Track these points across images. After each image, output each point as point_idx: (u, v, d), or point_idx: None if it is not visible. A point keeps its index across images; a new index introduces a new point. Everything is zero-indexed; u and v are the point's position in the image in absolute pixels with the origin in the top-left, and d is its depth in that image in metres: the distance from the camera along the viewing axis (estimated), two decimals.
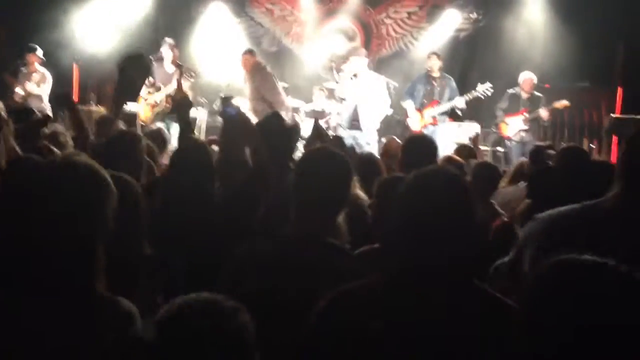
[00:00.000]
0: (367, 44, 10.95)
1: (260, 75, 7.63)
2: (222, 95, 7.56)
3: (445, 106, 8.22)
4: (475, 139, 8.25)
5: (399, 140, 5.20)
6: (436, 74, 8.29)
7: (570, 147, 4.52)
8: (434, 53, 8.45)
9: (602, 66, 9.30)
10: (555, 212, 1.95)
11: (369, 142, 7.80)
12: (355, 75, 7.96)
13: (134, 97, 7.53)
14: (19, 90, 8.54)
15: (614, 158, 8.38)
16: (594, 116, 9.31)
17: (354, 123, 7.99)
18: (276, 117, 3.73)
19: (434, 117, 8.25)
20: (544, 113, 8.26)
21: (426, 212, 1.64)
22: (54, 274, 1.42)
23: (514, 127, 8.45)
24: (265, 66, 7.96)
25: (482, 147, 9.13)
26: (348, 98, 8.04)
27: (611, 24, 9.11)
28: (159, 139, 4.93)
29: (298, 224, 2.12)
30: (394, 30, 10.87)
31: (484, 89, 8.10)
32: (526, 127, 8.40)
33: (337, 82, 8.71)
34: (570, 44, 9.26)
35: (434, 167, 1.78)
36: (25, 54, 8.76)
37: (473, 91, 8.18)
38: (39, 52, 8.80)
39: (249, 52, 8.04)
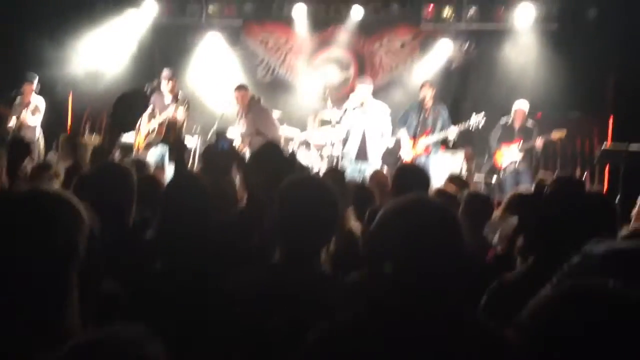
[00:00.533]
0: (360, 73, 11.05)
1: (255, 110, 7.69)
2: (216, 130, 7.61)
3: (438, 136, 8.26)
4: (469, 156, 8.30)
5: (384, 172, 5.22)
6: (429, 103, 8.34)
7: (565, 177, 4.54)
8: (427, 82, 8.52)
9: (592, 96, 9.39)
10: (610, 247, 1.89)
11: None
12: (362, 104, 7.95)
13: (130, 129, 7.57)
14: (13, 121, 8.59)
15: (606, 188, 8.43)
16: (586, 146, 9.37)
17: (362, 154, 7.99)
18: (273, 146, 3.76)
19: (427, 146, 8.28)
20: (538, 143, 8.33)
21: (410, 244, 1.63)
22: (25, 308, 1.39)
23: (508, 156, 8.52)
24: (259, 100, 8.01)
25: (476, 175, 9.20)
26: (353, 128, 8.03)
27: (601, 53, 9.23)
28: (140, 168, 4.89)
29: (286, 253, 2.12)
30: (388, 60, 10.99)
31: (477, 119, 8.15)
32: (520, 157, 8.46)
33: (329, 110, 8.75)
34: (561, 74, 9.36)
35: (417, 198, 1.77)
36: (22, 83, 8.83)
37: (467, 121, 8.23)
38: (35, 81, 8.87)
39: (243, 87, 8.08)
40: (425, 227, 1.64)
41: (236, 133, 7.78)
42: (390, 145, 8.20)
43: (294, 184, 2.28)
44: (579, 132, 8.91)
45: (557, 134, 8.36)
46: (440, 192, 3.99)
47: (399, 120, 8.49)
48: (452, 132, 8.19)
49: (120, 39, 10.85)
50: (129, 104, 3.85)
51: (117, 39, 10.79)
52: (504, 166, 8.59)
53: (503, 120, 8.71)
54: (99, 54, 10.67)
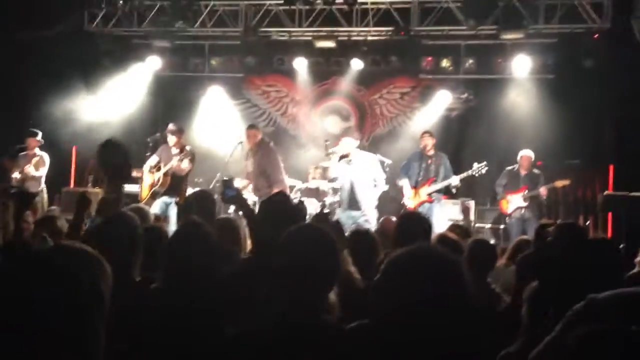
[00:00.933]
0: (361, 123, 11.18)
1: (264, 151, 7.75)
2: (224, 178, 7.62)
3: (441, 184, 8.30)
4: (465, 210, 8.30)
5: (394, 219, 5.21)
6: (430, 152, 8.42)
7: (567, 223, 4.51)
8: (427, 132, 8.62)
9: (592, 144, 9.46)
10: (614, 293, 1.87)
11: (367, 220, 7.80)
12: (346, 156, 8.04)
13: (126, 179, 7.54)
14: (16, 174, 8.66)
15: (609, 235, 8.39)
16: (588, 194, 9.38)
17: (353, 203, 8.02)
18: (282, 196, 3.78)
19: (429, 195, 8.30)
20: (543, 191, 8.41)
21: (415, 295, 1.61)
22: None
23: (514, 204, 8.55)
24: (270, 142, 8.08)
25: (478, 225, 9.19)
26: (342, 178, 8.10)
27: (599, 102, 9.35)
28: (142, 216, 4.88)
29: (288, 303, 2.11)
30: (388, 110, 11.12)
31: (479, 167, 8.20)
32: (526, 205, 8.50)
33: (329, 161, 8.81)
34: (560, 123, 9.45)
35: (425, 247, 1.77)
36: (26, 137, 8.94)
37: (469, 170, 8.28)
38: (39, 136, 8.99)
39: (254, 127, 8.19)
40: (430, 278, 1.63)
41: (241, 183, 7.81)
42: (382, 191, 8.17)
43: (295, 232, 2.28)
44: (580, 180, 8.94)
45: (560, 182, 8.45)
46: (442, 238, 3.97)
47: (400, 170, 8.54)
48: (455, 180, 8.24)
49: (124, 93, 11.03)
50: (112, 157, 3.86)
51: (121, 93, 10.97)
52: (509, 212, 8.60)
53: (509, 167, 8.76)
54: (104, 108, 10.84)
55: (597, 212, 8.96)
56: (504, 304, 3.58)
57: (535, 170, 8.70)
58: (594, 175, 9.32)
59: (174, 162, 7.65)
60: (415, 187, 8.34)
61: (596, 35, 9.40)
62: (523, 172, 8.67)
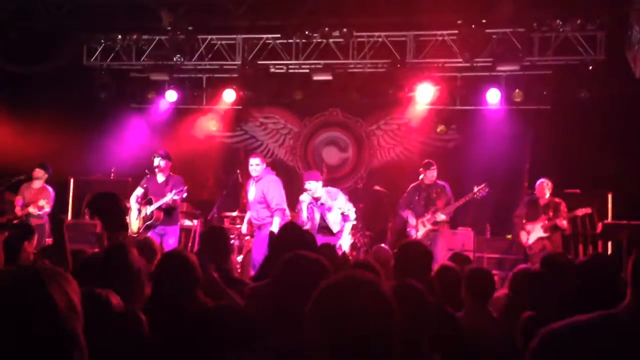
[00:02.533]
0: (359, 154, 11.22)
1: (268, 178, 7.72)
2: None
3: (440, 215, 8.25)
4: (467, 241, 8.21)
5: (387, 248, 5.18)
6: (430, 181, 8.37)
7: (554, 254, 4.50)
8: (428, 162, 8.53)
9: (591, 173, 9.47)
10: (569, 325, 1.80)
11: (340, 245, 7.66)
12: (317, 199, 7.74)
13: (124, 228, 7.48)
14: (32, 209, 8.65)
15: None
16: (587, 223, 9.35)
17: (325, 230, 7.86)
18: (293, 226, 3.77)
19: (433, 224, 8.27)
20: (560, 222, 8.24)
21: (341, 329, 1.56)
22: None
23: (534, 234, 8.38)
24: (273, 171, 8.03)
25: (477, 254, 9.13)
26: (312, 221, 7.86)
27: (596, 132, 9.41)
28: (148, 248, 4.87)
29: (285, 334, 2.08)
30: (385, 141, 11.17)
31: (479, 189, 8.18)
32: (546, 235, 8.33)
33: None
34: (559, 153, 9.50)
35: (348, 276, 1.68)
36: (34, 171, 8.95)
37: (470, 194, 8.24)
38: (49, 170, 8.99)
39: (259, 155, 8.16)
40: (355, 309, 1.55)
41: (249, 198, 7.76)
42: (352, 217, 8.03)
43: (291, 262, 2.26)
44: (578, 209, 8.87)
45: (582, 211, 8.33)
46: (443, 267, 3.95)
47: (402, 202, 8.48)
48: (440, 217, 8.18)
49: (122, 126, 11.10)
50: (107, 209, 3.86)
51: (119, 126, 11.04)
52: (530, 244, 8.44)
53: (527, 197, 8.66)
54: (101, 141, 10.89)
55: (596, 241, 8.93)
56: (503, 331, 3.55)
57: (556, 199, 8.49)
58: (593, 203, 9.30)
59: (168, 199, 7.62)
60: (419, 217, 8.28)
61: (591, 67, 9.49)
62: (542, 201, 8.46)
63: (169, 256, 3.09)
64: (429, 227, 8.24)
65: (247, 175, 8.05)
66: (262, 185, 7.66)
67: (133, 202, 7.93)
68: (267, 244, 3.55)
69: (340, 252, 6.46)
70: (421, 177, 8.40)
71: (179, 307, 2.68)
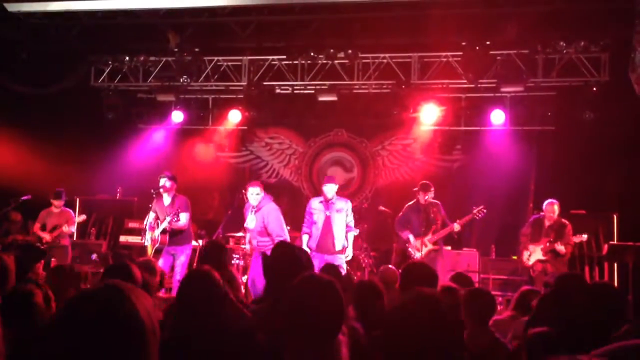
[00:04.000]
0: (364, 174, 11.25)
1: (269, 208, 7.71)
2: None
3: (443, 232, 8.25)
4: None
5: (394, 269, 5.18)
6: (426, 201, 8.31)
7: (566, 274, 4.49)
8: (427, 184, 8.51)
9: (596, 194, 9.46)
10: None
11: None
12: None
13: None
14: (68, 227, 9.14)
15: (616, 285, 8.30)
16: (592, 244, 9.32)
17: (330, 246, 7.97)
18: (286, 246, 3.79)
19: (434, 244, 8.26)
20: (559, 247, 8.16)
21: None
22: None
23: (535, 256, 8.32)
24: (271, 200, 8.03)
25: (483, 276, 9.09)
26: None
27: (601, 153, 9.41)
28: (150, 269, 4.89)
29: (295, 355, 2.09)
30: (390, 161, 11.20)
31: (478, 210, 8.22)
32: (545, 259, 8.26)
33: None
34: (563, 174, 9.50)
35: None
36: (56, 198, 9.20)
37: (469, 214, 8.25)
38: (63, 197, 9.29)
39: (262, 183, 8.16)
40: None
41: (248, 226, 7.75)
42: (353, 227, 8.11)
43: (301, 285, 2.30)
44: (584, 230, 8.86)
45: (578, 238, 8.22)
46: (445, 288, 3.95)
47: (398, 222, 8.45)
48: (456, 227, 8.20)
49: (128, 146, 11.18)
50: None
51: (125, 147, 11.12)
52: (530, 264, 8.38)
53: (535, 216, 8.63)
54: (108, 161, 10.96)
55: (602, 262, 8.89)
56: (506, 352, 3.54)
57: (564, 220, 8.37)
58: (598, 225, 9.29)
59: (166, 223, 7.70)
60: (418, 236, 8.27)
61: (595, 89, 9.53)
62: (547, 223, 8.34)
63: (190, 276, 3.09)
64: (430, 246, 8.24)
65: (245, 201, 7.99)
66: (262, 215, 7.63)
67: (147, 226, 8.02)
68: (261, 265, 3.58)
69: (343, 272, 6.45)
70: (418, 196, 8.35)
71: (204, 324, 2.69)
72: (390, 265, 6.09)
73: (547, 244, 8.24)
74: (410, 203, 8.49)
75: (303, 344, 2.10)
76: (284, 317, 2.20)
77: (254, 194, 7.68)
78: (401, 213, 8.50)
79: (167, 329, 2.78)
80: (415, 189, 8.42)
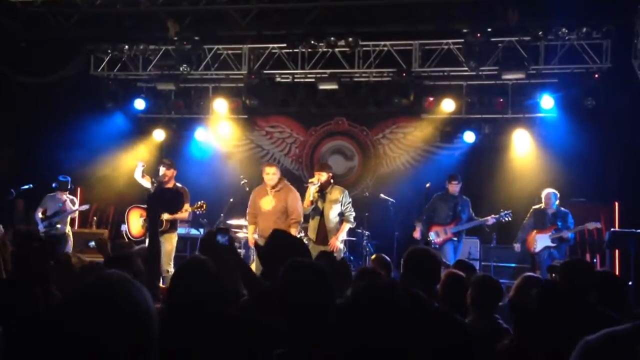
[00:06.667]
0: (365, 163, 11.23)
1: (288, 187, 7.70)
2: (220, 226, 7.65)
3: (471, 224, 8.62)
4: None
5: (386, 257, 5.17)
6: (456, 193, 8.62)
7: (572, 261, 4.49)
8: (455, 174, 8.79)
9: (597, 182, 9.45)
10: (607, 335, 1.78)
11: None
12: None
13: None
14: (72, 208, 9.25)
15: (617, 272, 8.31)
16: (594, 232, 9.32)
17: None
18: (282, 234, 3.78)
19: (454, 234, 8.51)
20: (567, 235, 8.41)
21: None
22: None
23: (541, 243, 8.50)
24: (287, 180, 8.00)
25: (484, 263, 9.10)
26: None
27: (603, 141, 9.39)
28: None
29: (291, 339, 2.10)
30: (391, 150, 11.17)
31: (506, 214, 8.53)
32: (554, 245, 8.46)
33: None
34: (564, 161, 9.47)
35: None
36: (61, 188, 9.24)
37: (498, 215, 8.54)
38: (68, 185, 9.34)
39: (276, 164, 8.14)
40: None
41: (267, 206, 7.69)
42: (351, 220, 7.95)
43: (293, 267, 2.32)
44: (586, 218, 8.87)
45: (592, 225, 8.49)
46: (450, 273, 3.94)
47: (425, 210, 8.63)
48: (491, 220, 8.51)
49: (128, 135, 11.16)
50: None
51: (125, 136, 11.10)
52: (537, 251, 8.54)
53: (535, 206, 8.71)
54: (108, 150, 10.94)
55: (604, 249, 8.90)
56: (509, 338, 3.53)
57: (563, 209, 8.59)
58: (600, 213, 9.28)
59: (166, 214, 7.66)
60: (443, 225, 8.54)
61: (597, 75, 9.49)
62: (549, 211, 8.56)
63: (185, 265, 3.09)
64: (449, 234, 8.49)
65: (257, 185, 7.97)
66: (283, 195, 7.59)
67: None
68: (257, 254, 3.61)
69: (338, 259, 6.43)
70: (447, 187, 8.66)
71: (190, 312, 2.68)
72: (382, 254, 6.06)
73: (555, 232, 8.43)
74: (439, 193, 8.76)
75: (294, 326, 2.11)
76: (275, 300, 2.22)
77: (270, 173, 7.63)
78: (429, 203, 8.71)
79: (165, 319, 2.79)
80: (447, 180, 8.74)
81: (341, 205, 7.68)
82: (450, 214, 8.59)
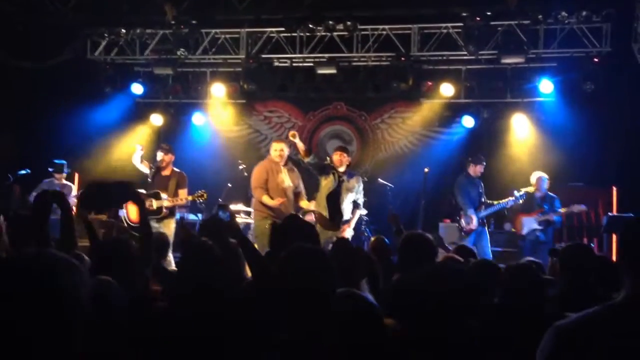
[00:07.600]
0: (363, 148, 11.20)
1: (292, 166, 7.77)
2: (220, 203, 7.65)
3: (496, 207, 8.53)
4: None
5: (385, 240, 5.17)
6: (478, 175, 8.57)
7: (574, 245, 4.48)
8: (478, 156, 8.69)
9: (595, 166, 9.45)
10: (577, 319, 1.78)
11: None
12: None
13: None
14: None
15: (615, 257, 8.33)
16: (592, 216, 9.34)
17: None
18: (295, 218, 3.78)
19: (481, 220, 8.45)
20: (552, 217, 8.47)
21: None
22: None
23: (527, 226, 8.56)
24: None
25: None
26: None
27: (601, 125, 9.37)
28: (160, 243, 4.89)
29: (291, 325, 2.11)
30: (389, 135, 11.14)
31: (520, 195, 8.43)
32: (540, 228, 8.51)
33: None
34: (562, 146, 9.47)
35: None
36: (57, 171, 9.22)
37: (514, 198, 8.45)
38: (65, 169, 9.30)
39: (285, 140, 8.12)
40: None
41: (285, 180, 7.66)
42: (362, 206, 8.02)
43: (294, 252, 2.31)
44: (583, 202, 8.88)
45: (577, 208, 8.51)
46: (449, 258, 3.95)
47: (466, 200, 8.45)
48: (511, 202, 8.45)
49: (126, 120, 11.12)
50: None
51: (123, 121, 11.07)
52: (524, 233, 8.60)
53: (523, 190, 8.73)
54: (107, 135, 10.92)
55: (601, 234, 8.92)
56: None
57: (551, 193, 8.67)
58: (597, 197, 9.29)
59: (166, 201, 7.68)
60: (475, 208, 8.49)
61: (596, 59, 9.44)
62: (538, 194, 8.64)
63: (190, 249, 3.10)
64: (479, 221, 8.42)
65: (258, 160, 7.98)
66: (293, 172, 7.68)
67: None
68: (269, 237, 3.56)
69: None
70: (470, 172, 8.53)
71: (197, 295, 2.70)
72: (381, 236, 6.04)
73: (541, 215, 8.50)
74: (460, 178, 8.60)
75: (294, 313, 2.11)
76: (276, 283, 2.22)
77: (278, 150, 7.63)
78: (462, 189, 8.50)
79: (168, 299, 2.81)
80: (470, 159, 8.62)
81: (355, 193, 7.67)
82: (479, 199, 8.50)
